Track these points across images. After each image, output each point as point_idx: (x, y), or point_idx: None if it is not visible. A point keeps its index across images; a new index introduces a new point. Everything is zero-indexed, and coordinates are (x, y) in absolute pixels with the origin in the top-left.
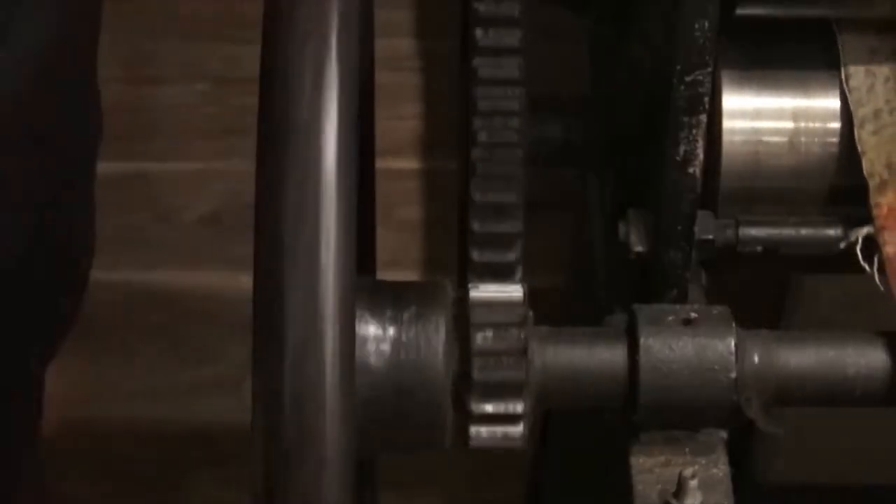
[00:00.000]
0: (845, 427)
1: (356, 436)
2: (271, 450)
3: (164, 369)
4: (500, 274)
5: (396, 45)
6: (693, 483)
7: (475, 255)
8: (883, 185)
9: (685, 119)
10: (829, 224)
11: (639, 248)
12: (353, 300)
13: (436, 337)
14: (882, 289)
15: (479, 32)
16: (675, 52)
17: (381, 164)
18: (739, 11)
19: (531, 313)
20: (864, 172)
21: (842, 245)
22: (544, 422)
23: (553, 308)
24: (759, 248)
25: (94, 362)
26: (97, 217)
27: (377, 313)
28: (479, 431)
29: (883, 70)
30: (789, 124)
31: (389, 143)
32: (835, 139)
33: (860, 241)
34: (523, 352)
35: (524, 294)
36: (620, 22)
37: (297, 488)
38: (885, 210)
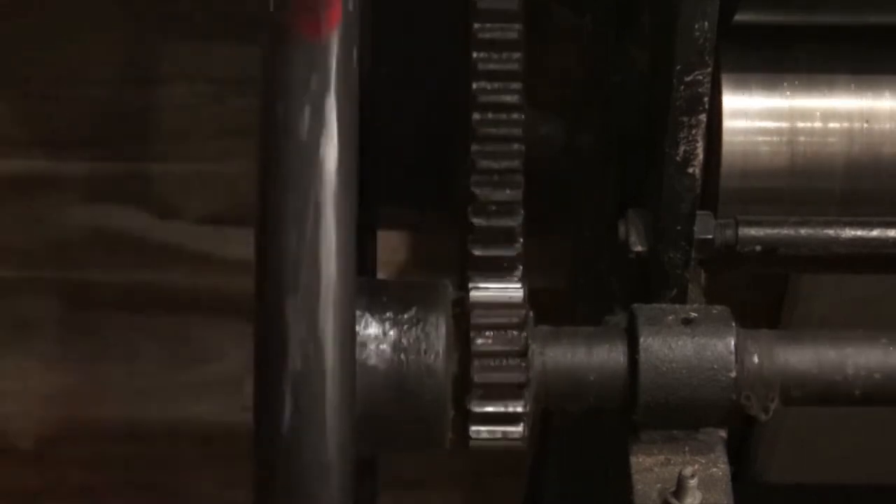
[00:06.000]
0: (845, 427)
1: (356, 436)
2: (271, 450)
3: (164, 369)
4: (500, 269)
5: None
6: (693, 482)
7: (476, 251)
8: None
9: (685, 119)
10: (828, 224)
11: (639, 248)
12: (353, 301)
13: (436, 338)
14: None
15: (478, 26)
16: (674, 52)
17: None
18: (739, 17)
19: (531, 314)
20: None
21: None
22: (544, 422)
23: (553, 308)
24: (758, 248)
25: (94, 362)
26: (96, 217)
27: (377, 314)
28: (480, 432)
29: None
30: (789, 124)
31: None
32: (834, 139)
33: None
34: (523, 353)
35: (524, 295)
36: (620, 22)
37: (297, 488)
38: None
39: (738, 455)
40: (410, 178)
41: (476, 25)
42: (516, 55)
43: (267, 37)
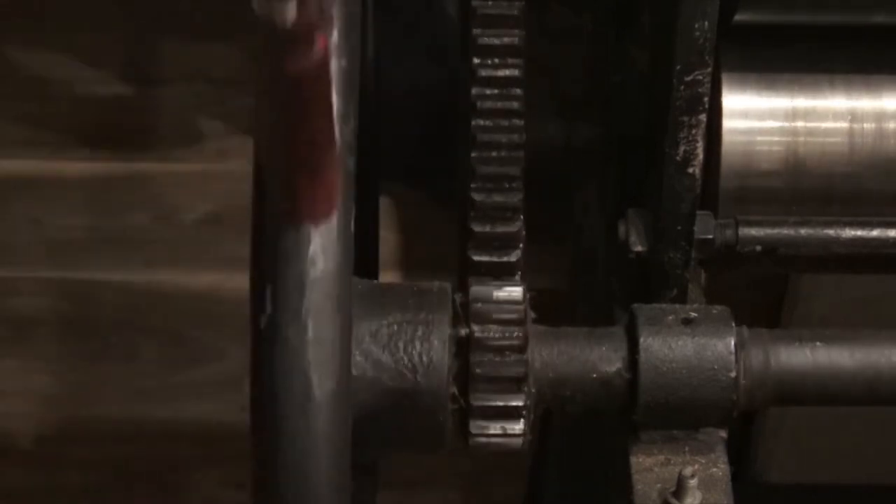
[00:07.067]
0: (845, 427)
1: (354, 438)
2: (269, 453)
3: (164, 369)
4: (500, 274)
5: None
6: (693, 482)
7: (476, 257)
8: None
9: (685, 119)
10: (828, 224)
11: (639, 248)
12: (349, 303)
13: (436, 338)
14: None
15: (478, 32)
16: (674, 52)
17: None
18: (739, 17)
19: (531, 312)
20: None
21: None
22: (544, 422)
23: (553, 308)
24: (758, 248)
25: (94, 362)
26: (96, 217)
27: (377, 316)
28: (479, 430)
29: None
30: (789, 124)
31: None
32: (834, 139)
33: None
34: (522, 348)
35: (524, 293)
36: (620, 22)
37: (295, 490)
38: None
39: (738, 455)
40: (412, 168)
41: (476, 31)
42: (517, 61)
43: None
